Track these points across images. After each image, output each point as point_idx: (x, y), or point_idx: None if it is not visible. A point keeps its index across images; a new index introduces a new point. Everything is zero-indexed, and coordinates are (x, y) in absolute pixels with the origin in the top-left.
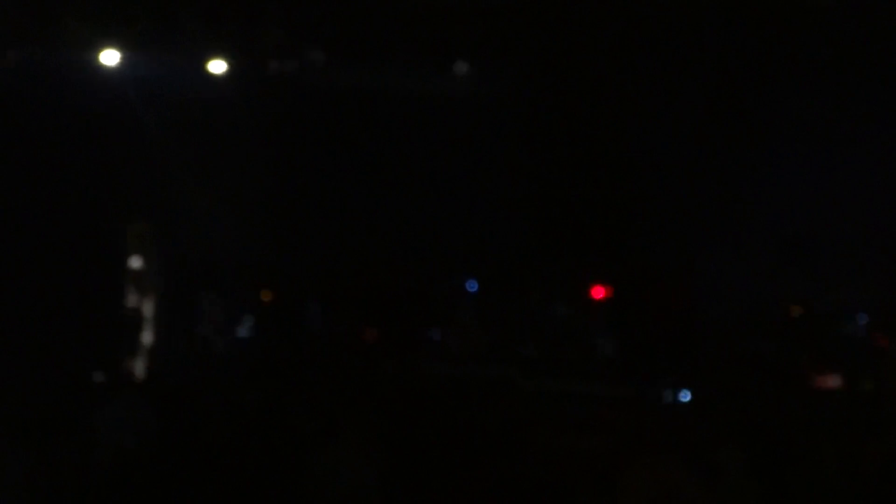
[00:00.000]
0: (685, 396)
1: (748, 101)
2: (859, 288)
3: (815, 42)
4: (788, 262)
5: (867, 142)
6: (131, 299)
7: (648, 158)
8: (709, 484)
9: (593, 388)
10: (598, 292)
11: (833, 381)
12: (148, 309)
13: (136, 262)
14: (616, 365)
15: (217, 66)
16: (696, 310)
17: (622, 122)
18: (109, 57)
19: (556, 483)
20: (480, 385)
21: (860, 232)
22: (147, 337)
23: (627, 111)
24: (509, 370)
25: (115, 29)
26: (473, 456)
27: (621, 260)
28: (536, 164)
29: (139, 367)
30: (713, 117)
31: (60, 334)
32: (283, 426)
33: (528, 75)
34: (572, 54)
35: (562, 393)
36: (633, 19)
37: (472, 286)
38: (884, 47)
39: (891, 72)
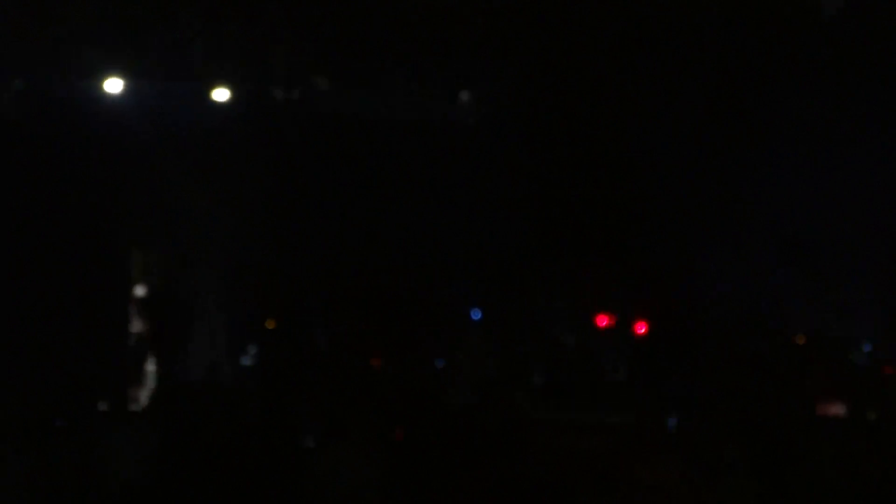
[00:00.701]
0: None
1: (749, 104)
2: (865, 316)
3: (816, 44)
4: (793, 272)
5: (873, 147)
6: (136, 325)
7: (651, 169)
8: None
9: (600, 414)
10: (603, 320)
11: (837, 409)
12: (153, 335)
13: (141, 289)
14: (623, 391)
15: (221, 94)
16: (701, 332)
17: (622, 127)
18: (113, 85)
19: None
20: (486, 412)
21: (869, 246)
22: (152, 363)
23: (627, 113)
24: (516, 397)
25: (118, 57)
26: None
27: (625, 284)
28: (539, 180)
29: (144, 395)
30: (713, 121)
31: (64, 361)
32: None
33: (527, 90)
34: (571, 59)
35: (569, 420)
36: (632, 22)
37: (475, 314)
38: (886, 49)
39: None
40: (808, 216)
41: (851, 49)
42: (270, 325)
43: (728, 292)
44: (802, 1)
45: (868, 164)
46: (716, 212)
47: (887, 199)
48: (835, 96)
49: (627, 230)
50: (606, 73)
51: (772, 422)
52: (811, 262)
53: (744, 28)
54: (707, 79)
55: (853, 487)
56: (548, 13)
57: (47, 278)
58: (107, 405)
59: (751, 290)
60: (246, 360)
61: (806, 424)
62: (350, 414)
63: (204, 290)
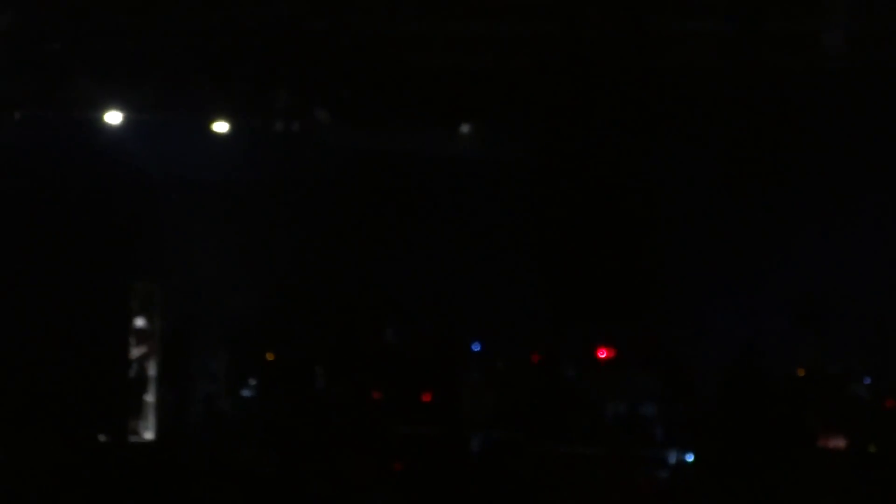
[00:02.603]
0: (689, 457)
1: (764, 167)
2: (866, 351)
3: (832, 108)
4: (801, 324)
5: (883, 207)
6: (136, 358)
7: (661, 221)
8: None
9: (599, 449)
10: (603, 353)
11: (839, 442)
12: (153, 368)
13: (140, 322)
14: (622, 426)
15: (221, 126)
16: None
17: (633, 185)
18: (113, 117)
19: None
20: (487, 447)
21: (871, 295)
22: (152, 396)
23: (638, 173)
24: (516, 433)
25: (119, 89)
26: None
27: (629, 321)
28: (544, 224)
29: (144, 428)
30: (728, 181)
31: (65, 394)
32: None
33: (534, 136)
34: (580, 116)
35: (568, 455)
36: (641, 79)
37: (476, 347)
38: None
39: None
40: (815, 272)
41: (870, 116)
42: (271, 357)
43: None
44: (817, 65)
45: (884, 228)
46: (724, 265)
47: (885, 252)
48: (853, 164)
49: (635, 284)
50: (618, 130)
51: (772, 454)
52: (820, 320)
53: (761, 92)
54: (722, 142)
55: None
56: (556, 75)
57: (47, 309)
58: (107, 436)
59: (754, 331)
60: (246, 392)
61: (807, 457)
62: (350, 444)
63: (204, 323)
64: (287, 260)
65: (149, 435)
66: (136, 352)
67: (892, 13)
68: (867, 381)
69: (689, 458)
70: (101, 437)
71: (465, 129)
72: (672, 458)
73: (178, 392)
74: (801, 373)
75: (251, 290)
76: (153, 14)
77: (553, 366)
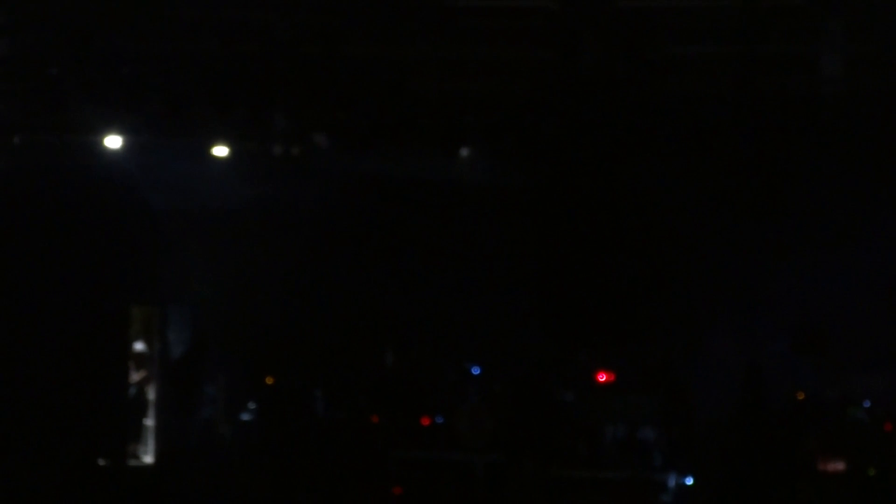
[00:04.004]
0: (688, 480)
1: (764, 192)
2: (865, 375)
3: (831, 132)
4: (800, 348)
5: (882, 232)
6: (135, 382)
7: (660, 246)
8: None
9: (598, 473)
10: (602, 376)
11: (838, 466)
12: (152, 392)
13: (139, 346)
14: (621, 449)
15: (221, 151)
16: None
17: (632, 209)
18: (112, 141)
19: None
20: (489, 470)
21: (869, 320)
22: (151, 420)
23: (638, 198)
24: (515, 456)
25: (118, 114)
26: None
27: (629, 344)
28: (543, 248)
29: (143, 452)
30: (728, 206)
31: (64, 418)
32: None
33: (533, 160)
34: (579, 140)
35: (567, 478)
36: (639, 104)
37: (475, 370)
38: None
39: None
40: (815, 297)
41: (869, 143)
42: (270, 380)
43: (731, 359)
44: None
45: (883, 254)
46: (724, 289)
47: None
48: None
49: (634, 307)
50: (618, 160)
51: (772, 478)
52: (820, 344)
53: (759, 118)
54: (720, 170)
55: None
56: (553, 97)
57: (45, 333)
58: (106, 460)
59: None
60: (245, 416)
61: (806, 480)
62: (349, 468)
63: (203, 347)
64: (286, 284)
65: (148, 459)
66: (135, 376)
67: (888, 38)
68: (866, 404)
69: (689, 481)
70: (101, 461)
71: (463, 153)
72: (671, 482)
73: (178, 416)
74: (800, 396)
75: (250, 314)
76: (152, 39)
77: (552, 389)
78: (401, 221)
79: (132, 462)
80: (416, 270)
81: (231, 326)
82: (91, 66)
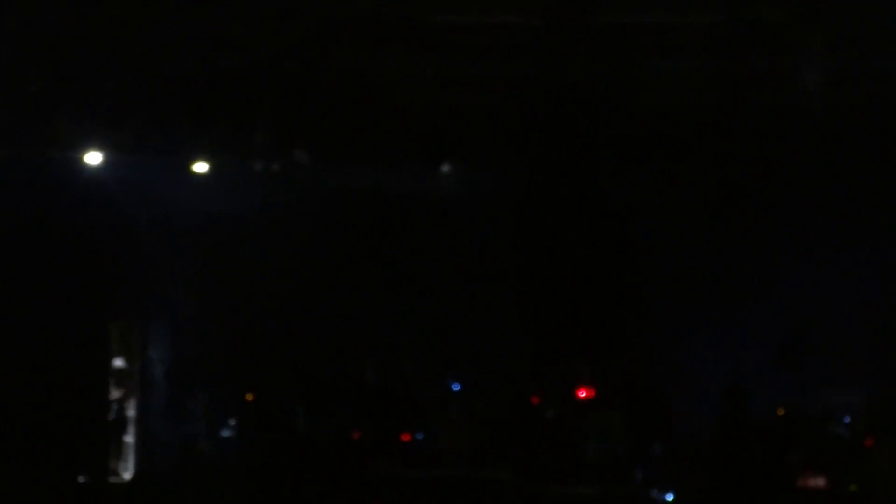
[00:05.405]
0: (669, 496)
1: (746, 205)
2: (846, 391)
3: (814, 145)
4: (781, 364)
5: (865, 245)
6: (115, 399)
7: (642, 260)
8: None
9: (582, 488)
10: (583, 392)
11: (819, 482)
12: (132, 409)
13: (119, 362)
14: (605, 465)
15: (201, 167)
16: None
17: (615, 223)
18: (93, 157)
19: None
20: (472, 487)
21: (851, 335)
22: (131, 437)
23: (620, 211)
24: (501, 472)
25: (98, 130)
26: None
27: (609, 359)
28: (525, 263)
29: (123, 468)
30: (709, 220)
31: (44, 435)
32: None
33: (516, 174)
34: (562, 154)
35: (548, 494)
36: (623, 118)
37: (455, 386)
38: (884, 150)
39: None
40: (796, 312)
41: (851, 154)
42: (250, 397)
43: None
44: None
45: (868, 266)
46: (704, 305)
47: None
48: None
49: (617, 321)
50: (601, 174)
51: (752, 494)
52: (801, 359)
53: (743, 128)
54: (703, 181)
55: None
56: (536, 110)
57: (25, 349)
58: (86, 477)
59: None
60: (226, 433)
61: (787, 497)
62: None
63: (183, 363)
64: (267, 299)
65: (128, 475)
66: (115, 393)
67: (871, 51)
68: (847, 420)
69: (669, 497)
70: (81, 478)
71: (446, 166)
72: (652, 498)
73: (158, 432)
74: (780, 412)
75: (231, 329)
76: (133, 54)
77: (532, 405)
78: (382, 236)
79: (112, 479)
80: (398, 285)
81: (212, 342)
82: (71, 82)
